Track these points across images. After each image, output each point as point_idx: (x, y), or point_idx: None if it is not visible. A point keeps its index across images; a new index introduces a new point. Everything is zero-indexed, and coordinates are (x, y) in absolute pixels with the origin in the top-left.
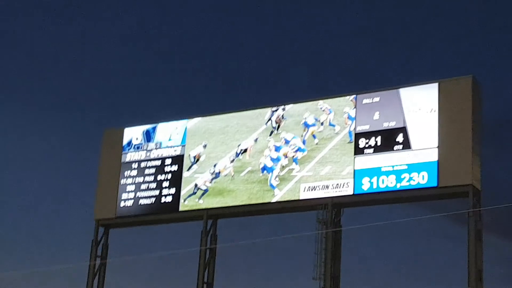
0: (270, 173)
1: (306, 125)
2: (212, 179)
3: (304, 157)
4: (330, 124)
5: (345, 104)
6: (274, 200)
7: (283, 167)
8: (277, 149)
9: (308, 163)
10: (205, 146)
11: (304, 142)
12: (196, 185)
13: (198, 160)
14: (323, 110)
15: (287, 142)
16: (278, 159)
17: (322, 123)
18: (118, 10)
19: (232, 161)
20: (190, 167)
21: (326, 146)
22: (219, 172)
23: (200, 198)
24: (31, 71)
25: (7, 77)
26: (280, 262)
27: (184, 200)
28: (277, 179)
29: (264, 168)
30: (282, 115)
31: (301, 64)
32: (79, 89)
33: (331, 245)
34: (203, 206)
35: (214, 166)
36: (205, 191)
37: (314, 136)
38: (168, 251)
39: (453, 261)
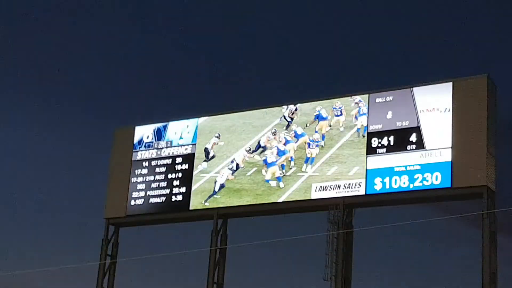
0: (269, 168)
1: (318, 118)
2: (233, 173)
3: (317, 154)
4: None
5: (356, 103)
6: (281, 199)
7: (289, 163)
8: (286, 142)
9: (318, 161)
10: (218, 136)
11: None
12: (216, 182)
13: (213, 148)
14: (338, 110)
15: (296, 135)
16: (284, 153)
17: (330, 124)
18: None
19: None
20: (209, 159)
21: (336, 144)
22: (238, 165)
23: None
24: (42, 69)
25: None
26: (291, 263)
27: (205, 201)
28: (280, 174)
29: (265, 162)
30: (296, 109)
31: (312, 63)
32: (90, 88)
33: (342, 246)
34: (213, 205)
35: (232, 162)
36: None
37: (323, 137)
38: (178, 250)
39: (467, 263)
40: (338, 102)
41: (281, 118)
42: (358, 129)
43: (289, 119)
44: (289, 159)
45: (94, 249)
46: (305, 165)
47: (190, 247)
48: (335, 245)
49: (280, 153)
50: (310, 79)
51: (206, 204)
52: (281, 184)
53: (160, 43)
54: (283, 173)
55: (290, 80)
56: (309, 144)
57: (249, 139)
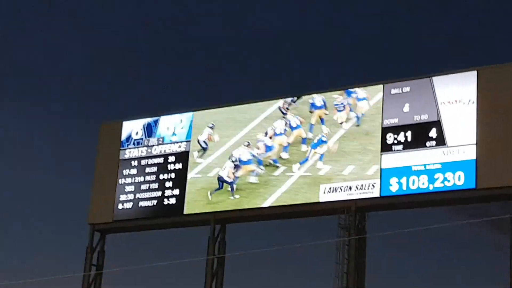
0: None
1: (314, 107)
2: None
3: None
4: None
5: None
6: (265, 204)
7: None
8: (275, 135)
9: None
10: (212, 127)
11: (311, 129)
12: (220, 178)
13: (210, 141)
14: (340, 105)
15: (291, 128)
16: (271, 148)
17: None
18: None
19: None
20: (202, 154)
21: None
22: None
23: (232, 194)
24: (20, 62)
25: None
26: (296, 273)
27: (210, 194)
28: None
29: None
30: (293, 100)
31: (320, 50)
32: (73, 80)
33: (354, 254)
34: (212, 209)
35: (231, 156)
36: (231, 184)
37: (322, 121)
38: (172, 259)
39: (493, 271)
40: (339, 97)
41: (275, 109)
42: (357, 117)
43: (284, 111)
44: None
45: (77, 259)
46: (298, 164)
47: (185, 255)
48: (346, 253)
49: (267, 148)
50: (321, 70)
51: (210, 197)
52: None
53: (150, 31)
54: (262, 169)
55: (299, 72)
56: (304, 140)
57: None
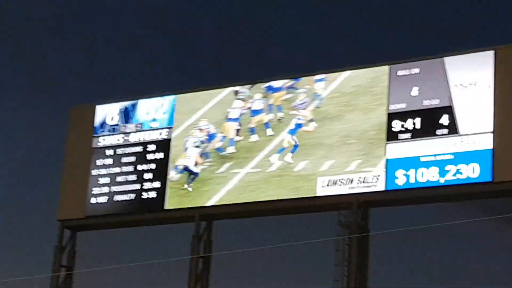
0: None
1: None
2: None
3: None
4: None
5: (377, 75)
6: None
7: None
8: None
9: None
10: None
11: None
12: (186, 167)
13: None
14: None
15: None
16: (213, 137)
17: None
18: None
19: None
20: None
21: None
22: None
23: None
24: None
25: None
26: (291, 275)
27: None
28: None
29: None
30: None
31: (320, 31)
32: (40, 60)
33: (356, 255)
34: (197, 204)
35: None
36: (196, 174)
37: (279, 109)
38: (152, 259)
39: (510, 273)
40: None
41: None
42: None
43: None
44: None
45: (45, 259)
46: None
47: (166, 255)
48: (347, 253)
49: (210, 137)
50: (321, 50)
51: (189, 189)
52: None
53: (127, 2)
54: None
55: (298, 51)
56: (267, 124)
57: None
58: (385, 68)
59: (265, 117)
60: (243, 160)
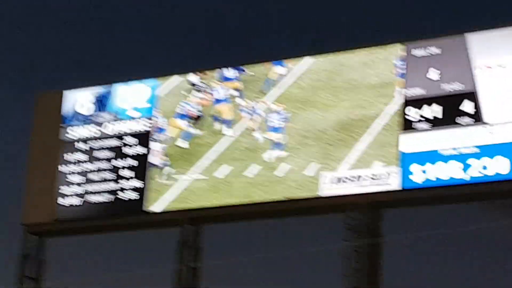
0: None
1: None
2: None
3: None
4: None
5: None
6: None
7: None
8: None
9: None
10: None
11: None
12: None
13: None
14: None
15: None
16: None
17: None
18: None
19: None
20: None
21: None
22: None
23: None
24: None
25: None
26: (291, 286)
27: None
28: None
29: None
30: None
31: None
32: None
33: (366, 263)
34: (184, 206)
35: None
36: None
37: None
38: (131, 270)
39: None
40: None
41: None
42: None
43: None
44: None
45: (8, 269)
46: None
47: (149, 264)
48: (355, 261)
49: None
50: (330, 27)
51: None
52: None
53: None
54: None
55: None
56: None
57: None
58: (399, 47)
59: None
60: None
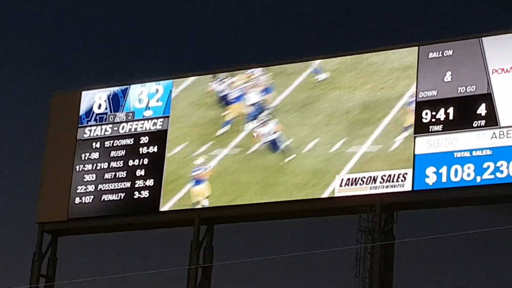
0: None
1: None
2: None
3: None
4: None
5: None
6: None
7: None
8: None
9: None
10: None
11: None
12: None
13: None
14: None
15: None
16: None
17: None
18: None
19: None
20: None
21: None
22: None
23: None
24: None
25: None
26: (305, 287)
27: None
28: None
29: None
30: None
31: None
32: (16, 35)
33: (379, 265)
34: (197, 205)
35: None
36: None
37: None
38: (143, 270)
39: None
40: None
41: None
42: None
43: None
44: None
45: (22, 267)
46: None
47: (162, 264)
48: (368, 263)
49: None
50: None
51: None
52: None
53: None
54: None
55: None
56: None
57: None
58: (414, 49)
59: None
60: None
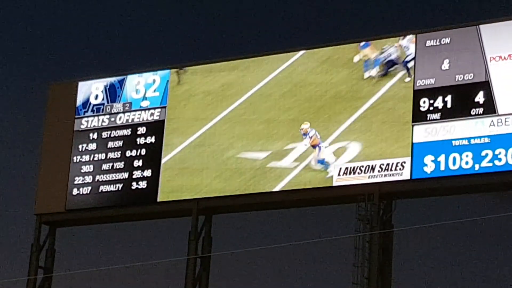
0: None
1: None
2: None
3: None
4: None
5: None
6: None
7: None
8: None
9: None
10: None
11: None
12: None
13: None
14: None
15: None
16: None
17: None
18: None
19: None
20: None
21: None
22: None
23: None
24: None
25: None
26: (303, 277)
27: None
28: None
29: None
30: None
31: None
32: (12, 25)
33: (378, 253)
34: (195, 195)
35: None
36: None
37: None
38: (141, 260)
39: None
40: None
41: None
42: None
43: None
44: None
45: (20, 259)
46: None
47: (160, 254)
48: (367, 252)
49: None
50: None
51: None
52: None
53: None
54: None
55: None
56: None
57: None
58: (411, 37)
59: None
60: None
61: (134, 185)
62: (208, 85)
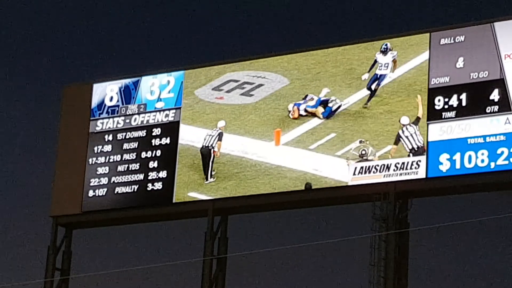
0: None
1: None
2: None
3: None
4: None
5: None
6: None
7: None
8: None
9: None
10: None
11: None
12: None
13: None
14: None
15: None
16: None
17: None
18: None
19: None
20: None
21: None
22: None
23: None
24: None
25: None
26: (319, 277)
27: None
28: None
29: None
30: None
31: None
32: (29, 31)
33: (394, 253)
34: (211, 196)
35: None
36: None
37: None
38: (157, 262)
39: None
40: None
41: None
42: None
43: None
44: None
45: (37, 261)
46: None
47: (176, 255)
48: (383, 251)
49: None
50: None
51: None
52: None
53: None
54: None
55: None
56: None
57: None
58: (425, 36)
59: None
60: None
61: (150, 186)
62: None
